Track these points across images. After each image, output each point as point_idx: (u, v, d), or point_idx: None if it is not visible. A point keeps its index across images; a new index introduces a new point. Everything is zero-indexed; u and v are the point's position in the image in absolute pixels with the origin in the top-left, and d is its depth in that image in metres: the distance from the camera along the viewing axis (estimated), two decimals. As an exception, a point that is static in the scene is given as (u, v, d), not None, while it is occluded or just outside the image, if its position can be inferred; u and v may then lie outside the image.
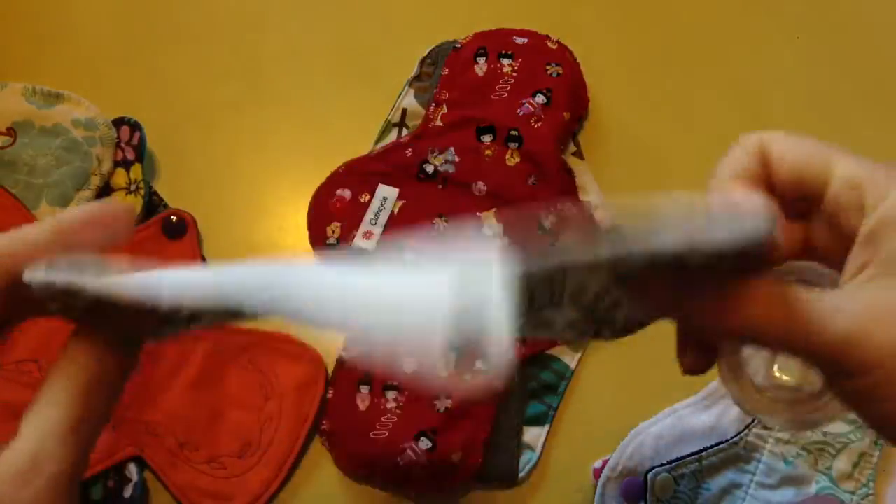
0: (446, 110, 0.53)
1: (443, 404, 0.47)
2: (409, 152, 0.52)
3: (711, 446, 0.47)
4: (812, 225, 0.28)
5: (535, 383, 0.49)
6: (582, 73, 0.55)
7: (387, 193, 0.51)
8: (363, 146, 0.53)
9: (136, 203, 0.50)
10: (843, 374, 0.24)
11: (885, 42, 0.58)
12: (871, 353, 0.24)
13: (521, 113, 0.52)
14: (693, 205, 0.25)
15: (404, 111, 0.54)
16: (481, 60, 0.54)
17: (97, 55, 0.55)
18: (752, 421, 0.47)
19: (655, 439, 0.47)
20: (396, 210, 0.51)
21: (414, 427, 0.46)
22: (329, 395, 0.48)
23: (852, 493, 0.47)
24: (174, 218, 0.50)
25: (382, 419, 0.47)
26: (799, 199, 0.27)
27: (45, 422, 0.27)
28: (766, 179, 0.27)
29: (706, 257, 0.23)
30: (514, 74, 0.53)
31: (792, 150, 0.27)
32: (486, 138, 0.52)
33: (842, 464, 0.47)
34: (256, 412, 0.47)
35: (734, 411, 0.47)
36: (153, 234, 0.49)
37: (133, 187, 0.51)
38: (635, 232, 0.24)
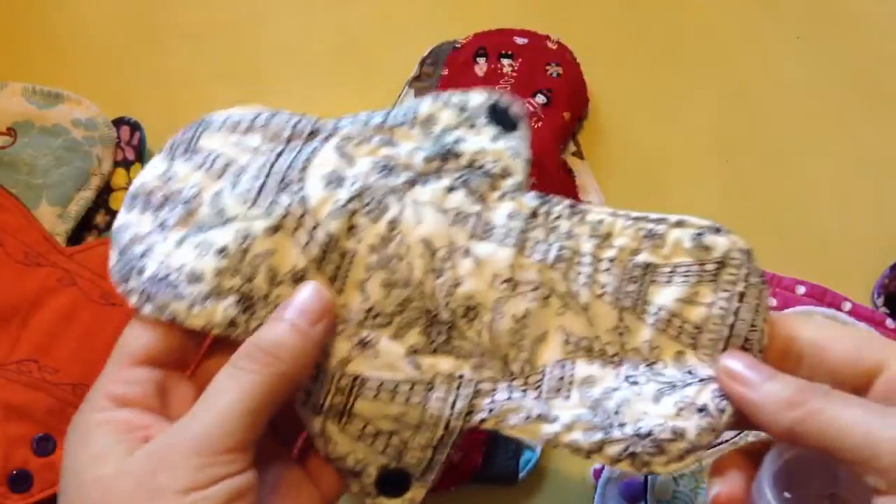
0: (446, 110, 0.53)
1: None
2: (409, 152, 0.52)
3: (711, 446, 0.46)
4: None
5: (535, 383, 0.49)
6: (582, 73, 0.55)
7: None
8: (363, 146, 0.53)
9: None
10: None
11: (885, 42, 0.58)
12: None
13: (521, 113, 0.52)
14: None
15: (404, 111, 0.54)
16: (481, 60, 0.54)
17: (97, 55, 0.55)
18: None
19: (655, 439, 0.47)
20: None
21: (414, 427, 0.46)
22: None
23: None
24: (174, 218, 0.50)
25: (382, 419, 0.47)
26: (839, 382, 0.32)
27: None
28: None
29: None
30: (514, 74, 0.53)
31: (838, 342, 0.33)
32: (486, 138, 0.52)
33: None
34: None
35: (734, 411, 0.47)
36: (153, 234, 0.49)
37: (133, 187, 0.51)
38: None
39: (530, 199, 0.35)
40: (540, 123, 0.52)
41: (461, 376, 0.34)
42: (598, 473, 0.47)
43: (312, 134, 0.37)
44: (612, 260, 0.34)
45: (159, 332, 0.34)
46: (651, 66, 0.57)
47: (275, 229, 0.34)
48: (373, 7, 0.58)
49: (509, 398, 0.34)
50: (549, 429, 0.34)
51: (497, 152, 0.36)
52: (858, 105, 0.56)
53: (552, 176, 0.51)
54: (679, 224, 0.35)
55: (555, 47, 0.55)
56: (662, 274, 0.34)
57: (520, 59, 0.54)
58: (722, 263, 0.34)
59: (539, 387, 0.34)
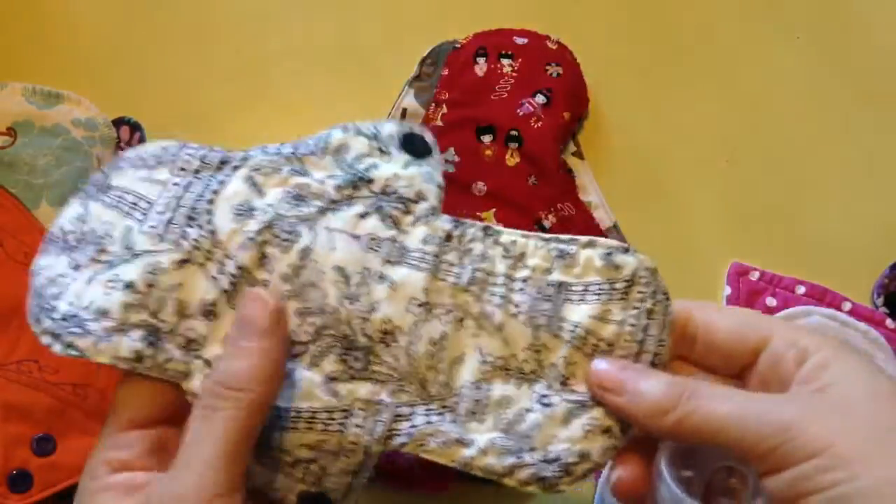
0: (446, 110, 0.53)
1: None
2: (409, 152, 0.52)
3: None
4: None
5: (535, 383, 0.49)
6: (582, 73, 0.55)
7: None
8: (363, 146, 0.53)
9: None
10: (782, 461, 0.29)
11: (885, 42, 0.58)
12: (810, 440, 0.29)
13: (521, 113, 0.52)
14: None
15: (404, 111, 0.54)
16: (481, 60, 0.54)
17: (97, 55, 0.55)
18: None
19: (655, 439, 0.47)
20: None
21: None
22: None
23: None
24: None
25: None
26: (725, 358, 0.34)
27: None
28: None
29: None
30: (514, 74, 0.53)
31: (725, 320, 0.34)
32: (486, 138, 0.52)
33: None
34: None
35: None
36: (153, 234, 0.49)
37: (133, 187, 0.50)
38: None
39: (444, 223, 0.36)
40: (540, 123, 0.52)
41: (380, 401, 0.34)
42: (598, 473, 0.47)
43: (222, 164, 0.36)
44: (525, 280, 0.35)
45: (148, 393, 0.34)
46: (651, 66, 0.57)
47: (182, 262, 0.34)
48: (373, 7, 0.58)
49: (428, 422, 0.34)
50: (466, 453, 0.34)
51: (410, 177, 0.36)
52: (858, 105, 0.56)
53: (552, 176, 0.51)
54: (589, 244, 0.35)
55: (555, 47, 0.55)
56: (575, 292, 0.35)
57: (520, 59, 0.54)
58: (631, 282, 0.35)
59: (455, 409, 0.35)
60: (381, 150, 0.37)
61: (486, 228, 0.36)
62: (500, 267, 0.35)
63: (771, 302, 0.51)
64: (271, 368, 0.32)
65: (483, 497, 0.48)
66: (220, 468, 0.30)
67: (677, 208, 0.54)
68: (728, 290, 0.51)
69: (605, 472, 0.47)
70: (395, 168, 0.36)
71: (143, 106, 0.53)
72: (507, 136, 0.52)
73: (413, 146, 0.37)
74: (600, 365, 0.34)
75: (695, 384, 0.32)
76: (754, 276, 0.51)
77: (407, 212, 0.36)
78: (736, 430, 0.30)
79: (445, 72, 0.54)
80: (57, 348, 0.33)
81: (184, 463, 0.31)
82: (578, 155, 0.54)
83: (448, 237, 0.36)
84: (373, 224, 0.35)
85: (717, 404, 0.31)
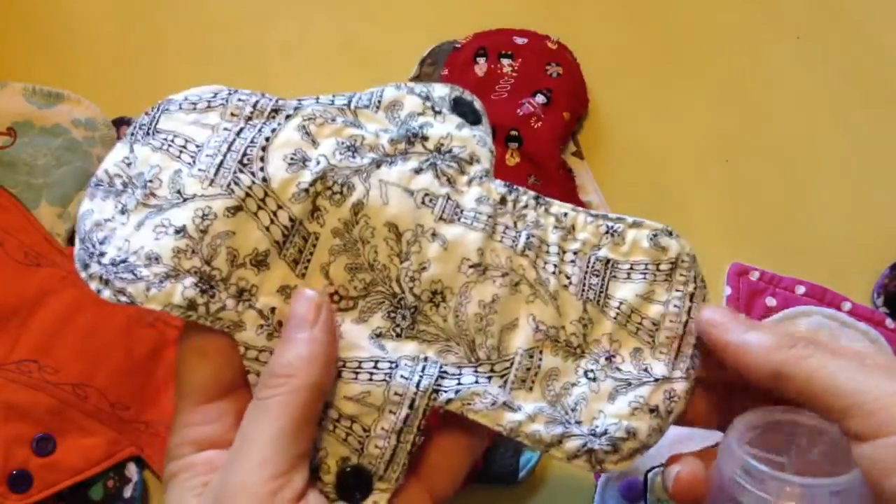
0: (446, 110, 0.53)
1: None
2: (409, 152, 0.52)
3: (712, 446, 0.46)
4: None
5: (535, 383, 0.49)
6: (582, 73, 0.55)
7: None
8: (363, 146, 0.53)
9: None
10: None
11: (885, 42, 0.58)
12: None
13: (521, 113, 0.52)
14: None
15: (404, 111, 0.54)
16: (481, 60, 0.54)
17: (97, 55, 0.55)
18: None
19: (655, 439, 0.47)
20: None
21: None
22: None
23: None
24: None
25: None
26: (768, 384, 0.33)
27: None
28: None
29: None
30: (514, 74, 0.53)
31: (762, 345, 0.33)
32: (486, 138, 0.52)
33: None
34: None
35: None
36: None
37: (133, 187, 0.50)
38: None
39: (499, 186, 0.36)
40: (540, 123, 0.52)
41: (426, 358, 0.34)
42: (597, 475, 0.47)
43: (274, 112, 0.36)
44: (575, 252, 0.36)
45: (218, 359, 0.33)
46: (651, 67, 0.57)
47: (235, 210, 0.33)
48: (373, 7, 0.58)
49: (476, 382, 0.34)
50: (512, 417, 0.34)
51: (463, 138, 0.36)
52: (858, 105, 0.56)
53: (552, 176, 0.51)
54: (636, 224, 0.36)
55: (555, 47, 0.55)
56: (622, 270, 0.36)
57: (520, 59, 0.54)
58: (675, 264, 0.35)
59: (505, 375, 0.34)
60: (434, 110, 0.37)
61: (537, 197, 0.36)
62: (553, 237, 0.36)
63: (771, 302, 0.51)
64: (319, 354, 0.32)
65: (484, 497, 0.48)
66: (276, 451, 0.30)
67: (677, 208, 0.54)
68: (728, 290, 0.51)
69: (603, 474, 0.47)
70: (448, 128, 0.36)
71: (143, 106, 0.53)
72: (507, 136, 0.52)
73: (463, 111, 0.37)
74: (712, 313, 0.34)
75: (810, 336, 0.33)
76: (754, 276, 0.51)
77: (461, 171, 0.36)
78: (846, 383, 0.30)
79: (445, 72, 0.54)
80: (106, 294, 0.33)
81: (239, 449, 0.31)
82: (578, 155, 0.54)
83: (502, 200, 0.36)
84: (427, 180, 0.35)
85: (831, 357, 0.31)
